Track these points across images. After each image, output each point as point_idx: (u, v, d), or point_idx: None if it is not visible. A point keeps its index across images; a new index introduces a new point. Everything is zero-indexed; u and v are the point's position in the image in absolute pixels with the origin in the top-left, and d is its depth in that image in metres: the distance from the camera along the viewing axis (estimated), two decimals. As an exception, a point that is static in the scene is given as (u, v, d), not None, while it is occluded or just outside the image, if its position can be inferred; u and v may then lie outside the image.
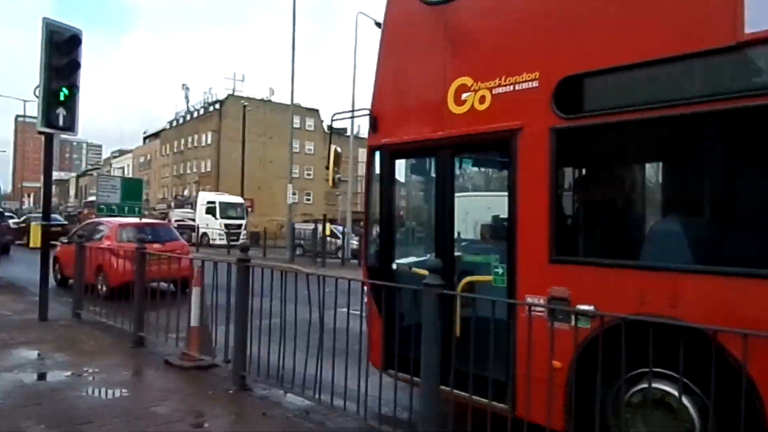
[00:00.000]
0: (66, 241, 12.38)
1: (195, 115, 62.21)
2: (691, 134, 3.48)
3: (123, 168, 79.47)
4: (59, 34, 7.90)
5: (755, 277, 2.86)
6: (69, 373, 5.42)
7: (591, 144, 3.84)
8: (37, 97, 7.98)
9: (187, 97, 64.87)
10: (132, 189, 25.36)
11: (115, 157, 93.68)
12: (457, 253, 4.58)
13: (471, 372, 3.58)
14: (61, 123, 7.92)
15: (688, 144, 3.58)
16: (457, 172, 4.71)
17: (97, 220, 14.29)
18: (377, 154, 5.01)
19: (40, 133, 8.15)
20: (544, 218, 3.71)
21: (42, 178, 8.47)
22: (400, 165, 5.11)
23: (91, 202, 34.54)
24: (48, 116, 7.81)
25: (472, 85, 4.23)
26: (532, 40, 3.95)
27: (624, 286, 3.33)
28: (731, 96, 3.00)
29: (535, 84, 3.83)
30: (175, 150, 64.84)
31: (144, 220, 17.36)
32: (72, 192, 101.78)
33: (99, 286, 9.92)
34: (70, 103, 8.02)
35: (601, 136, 3.72)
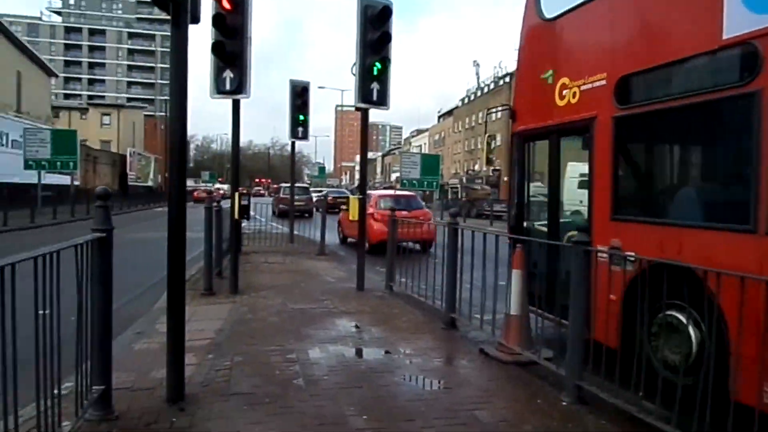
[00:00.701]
0: (346, 208, 13.11)
1: (485, 90, 63.01)
2: (698, 120, 4.33)
3: (420, 146, 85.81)
4: (373, 7, 7.94)
5: (729, 231, 3.78)
6: (384, 352, 5.21)
7: (634, 129, 4.81)
8: (354, 74, 8.22)
9: (477, 74, 66.55)
10: (430, 165, 26.44)
11: (413, 137, 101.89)
12: (561, 217, 5.88)
13: (558, 303, 4.71)
14: (375, 98, 8.00)
15: (696, 128, 4.48)
16: (563, 152, 5.76)
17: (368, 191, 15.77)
18: (515, 138, 6.51)
19: (357, 109, 8.43)
20: (608, 187, 4.86)
21: (359, 154, 8.72)
22: (530, 146, 6.42)
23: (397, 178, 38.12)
24: (363, 92, 7.96)
25: (569, 83, 5.47)
26: (602, 48, 5.10)
27: (650, 238, 4.35)
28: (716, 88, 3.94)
29: (604, 82, 4.96)
30: (467, 126, 66.95)
31: (399, 192, 18.96)
32: (378, 169, 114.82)
33: (351, 240, 13.13)
34: (383, 77, 8.04)
35: (639, 123, 4.69)
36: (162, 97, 69.83)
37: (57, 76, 53.49)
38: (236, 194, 7.59)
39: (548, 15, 5.97)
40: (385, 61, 7.90)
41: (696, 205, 4.32)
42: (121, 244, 15.33)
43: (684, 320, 3.99)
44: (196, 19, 4.05)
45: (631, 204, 4.92)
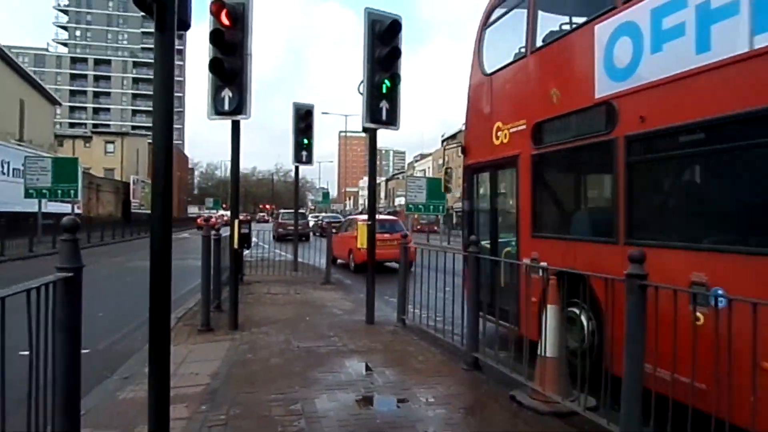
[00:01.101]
0: (335, 231, 16.15)
1: (489, 114, 62.70)
2: (579, 158, 5.67)
3: (424, 170, 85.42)
4: (381, 22, 7.48)
5: (603, 243, 4.94)
6: (401, 400, 4.58)
7: (544, 164, 6.06)
8: (361, 93, 7.72)
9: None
10: (436, 188, 25.93)
11: (417, 161, 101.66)
12: (502, 235, 6.98)
13: (497, 306, 5.99)
14: (384, 117, 7.50)
15: (580, 163, 5.80)
16: (499, 182, 7.11)
17: (351, 217, 19.26)
18: (466, 171, 7.83)
19: (365, 130, 7.92)
20: (528, 210, 6.17)
21: (363, 178, 8.17)
22: (477, 177, 7.70)
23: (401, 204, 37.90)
24: (372, 111, 7.46)
25: (501, 126, 6.79)
26: (523, 99, 6.44)
27: (557, 251, 5.57)
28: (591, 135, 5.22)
29: (524, 127, 6.29)
30: (470, 150, 66.55)
31: (381, 216, 19.24)
32: (382, 194, 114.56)
33: (349, 263, 14.83)
34: (393, 95, 7.55)
35: (547, 160, 5.98)
36: (166, 125, 69.88)
37: (60, 104, 53.60)
38: (236, 222, 7.03)
39: (487, 71, 7.33)
40: (395, 78, 7.41)
41: (582, 224, 5.65)
42: (119, 273, 14.90)
43: (581, 317, 5.21)
44: (185, 25, 3.52)
45: (544, 224, 6.09)
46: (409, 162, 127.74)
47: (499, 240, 7.03)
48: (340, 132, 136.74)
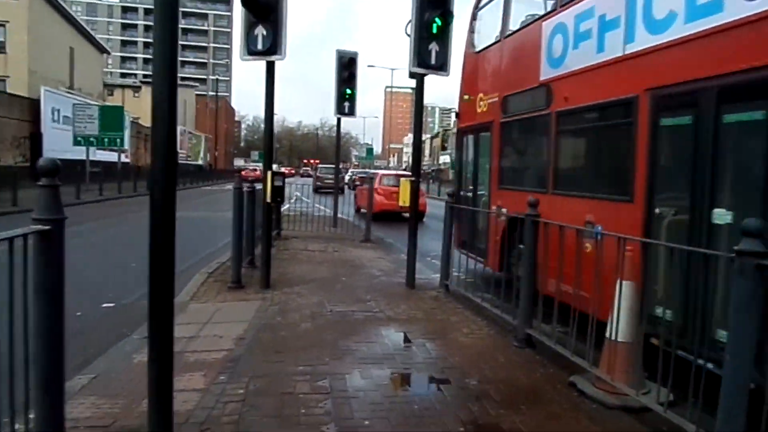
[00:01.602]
0: (358, 185, 18.90)
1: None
2: (530, 127, 6.90)
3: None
4: (432, -48, 6.63)
5: (538, 192, 6.10)
6: (442, 381, 4.01)
7: (509, 130, 7.42)
8: (408, 35, 6.94)
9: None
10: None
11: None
12: (480, 188, 8.42)
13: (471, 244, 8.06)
14: (433, 61, 6.72)
15: (530, 131, 6.96)
16: (480, 145, 8.40)
17: (374, 172, 20.47)
18: (457, 133, 9.53)
19: (411, 75, 7.15)
20: (496, 167, 7.55)
21: (409, 134, 7.68)
22: (465, 138, 9.03)
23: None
24: (420, 54, 6.68)
25: (483, 97, 8.12)
26: (497, 75, 7.72)
27: (513, 200, 6.82)
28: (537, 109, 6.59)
29: (497, 99, 7.61)
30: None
31: (398, 172, 22.01)
32: (427, 152, 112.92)
33: (363, 210, 15.01)
34: (443, 36, 6.74)
35: (511, 126, 7.36)
36: (213, 77, 70.02)
37: (109, 53, 54.04)
38: (268, 174, 6.49)
39: (477, 49, 8.59)
40: (447, 16, 6.58)
41: (529, 179, 6.93)
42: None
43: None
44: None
45: (506, 179, 7.51)
46: (454, 120, 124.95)
47: (478, 192, 8.52)
48: (386, 87, 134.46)
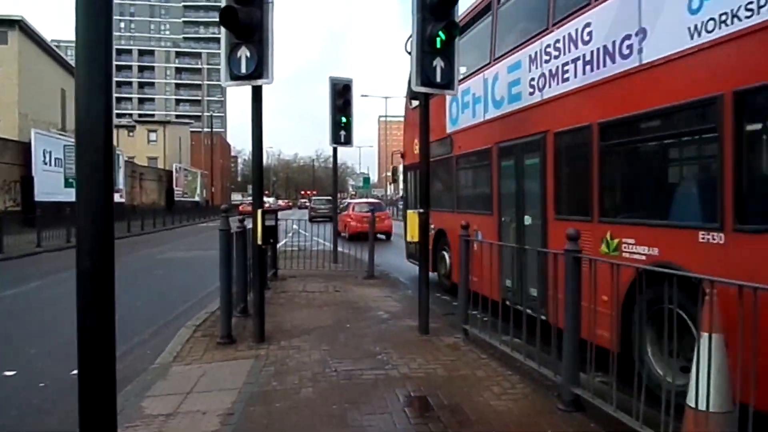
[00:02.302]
0: (338, 212, 20.35)
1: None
2: (444, 166, 9.31)
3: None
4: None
5: (449, 212, 9.09)
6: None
7: (440, 167, 9.32)
8: (408, 52, 6.23)
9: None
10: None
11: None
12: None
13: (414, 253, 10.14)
14: (438, 78, 5.96)
15: (444, 169, 9.34)
16: (419, 176, 8.55)
17: (348, 201, 25.32)
18: (404, 169, 11.79)
19: (414, 97, 6.43)
20: (425, 194, 6.91)
21: (420, 140, 7.24)
22: (408, 174, 11.34)
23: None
24: (423, 71, 5.94)
25: (416, 142, 9.33)
26: (436, 122, 8.43)
27: (440, 217, 9.24)
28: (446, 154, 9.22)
29: (433, 140, 7.74)
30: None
31: (368, 200, 26.53)
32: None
33: (344, 234, 18.30)
34: (448, 52, 6.01)
35: (433, 165, 7.99)
36: (208, 114, 69.85)
37: (103, 94, 53.59)
38: (258, 213, 5.67)
39: (412, 106, 10.31)
40: (452, 28, 5.86)
41: (444, 202, 9.42)
42: (149, 266, 13.94)
43: (446, 254, 9.47)
44: None
45: (442, 202, 9.45)
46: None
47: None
48: (380, 117, 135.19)
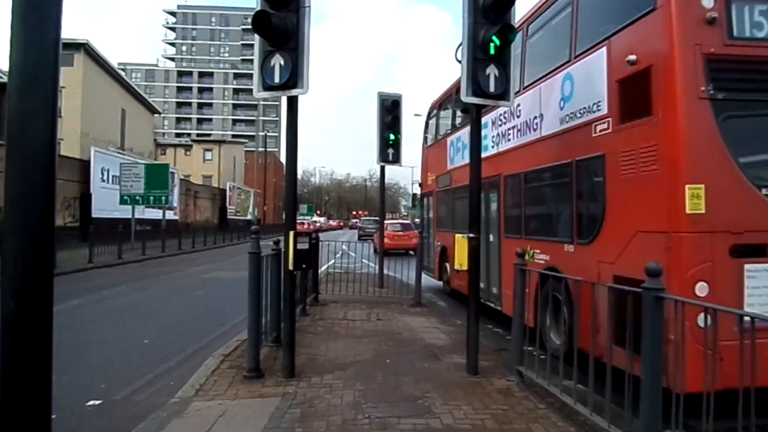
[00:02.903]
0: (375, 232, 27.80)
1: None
2: (448, 195, 11.41)
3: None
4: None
5: (448, 232, 11.15)
6: None
7: (439, 196, 12.17)
8: (459, 61, 5.71)
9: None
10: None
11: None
12: (431, 230, 13.21)
13: (427, 265, 12.84)
14: (492, 88, 5.40)
15: (447, 197, 11.55)
16: (431, 202, 12.98)
17: (387, 221, 27.31)
18: (421, 196, 14.47)
19: (464, 110, 5.89)
20: (436, 217, 12.55)
21: (471, 158, 6.46)
22: (425, 200, 13.97)
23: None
24: (475, 80, 5.40)
25: (430, 175, 12.97)
26: (433, 163, 12.66)
27: (442, 236, 11.88)
28: (446, 186, 11.82)
29: (434, 177, 12.45)
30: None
31: (394, 221, 31.07)
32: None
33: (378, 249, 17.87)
34: (503, 58, 5.46)
35: (440, 194, 12.01)
36: (262, 133, 71.45)
37: (160, 113, 55.79)
38: (290, 235, 5.22)
39: (427, 144, 13.29)
40: (507, 33, 5.30)
41: (445, 224, 11.80)
42: (191, 286, 13.84)
43: (447, 265, 11.72)
44: None
45: (440, 224, 12.29)
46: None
47: (430, 232, 13.25)
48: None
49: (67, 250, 19.20)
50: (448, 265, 11.52)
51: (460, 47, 5.61)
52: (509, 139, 8.22)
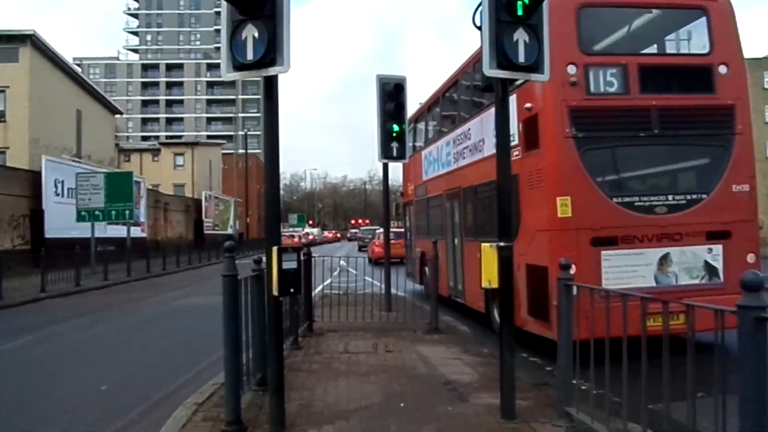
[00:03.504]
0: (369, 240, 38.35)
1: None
2: (424, 204, 15.14)
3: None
4: None
5: (426, 239, 14.18)
6: None
7: (417, 205, 15.81)
8: (477, 26, 5.36)
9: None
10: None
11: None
12: (415, 240, 16.55)
13: (412, 271, 17.40)
14: (521, 57, 4.99)
15: (423, 207, 15.36)
16: (411, 211, 16.86)
17: (378, 231, 33.63)
18: (403, 205, 18.40)
19: (486, 87, 5.51)
20: (416, 224, 16.46)
21: (497, 150, 5.99)
22: (406, 208, 17.85)
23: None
24: (500, 48, 4.99)
25: (410, 185, 16.68)
26: (413, 173, 16.07)
27: (422, 243, 15.01)
28: (423, 196, 15.65)
29: (413, 187, 16.20)
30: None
31: (392, 229, 32.12)
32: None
33: (370, 258, 27.72)
34: (533, 20, 5.07)
35: (418, 203, 15.72)
36: (242, 132, 71.39)
37: (121, 113, 55.56)
38: (273, 252, 4.82)
39: (408, 155, 12.93)
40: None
41: (422, 231, 15.46)
42: (161, 316, 13.45)
43: (426, 269, 13.89)
44: None
45: (418, 231, 15.99)
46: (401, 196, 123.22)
47: (411, 239, 16.91)
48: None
49: (16, 277, 18.78)
50: (427, 269, 14.45)
51: (479, 10, 5.23)
52: (464, 157, 11.32)
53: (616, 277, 7.34)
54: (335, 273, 17.06)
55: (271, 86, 4.91)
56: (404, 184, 17.75)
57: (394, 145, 11.61)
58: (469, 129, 10.75)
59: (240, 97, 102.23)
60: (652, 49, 9.03)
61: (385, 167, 12.61)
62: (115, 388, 7.26)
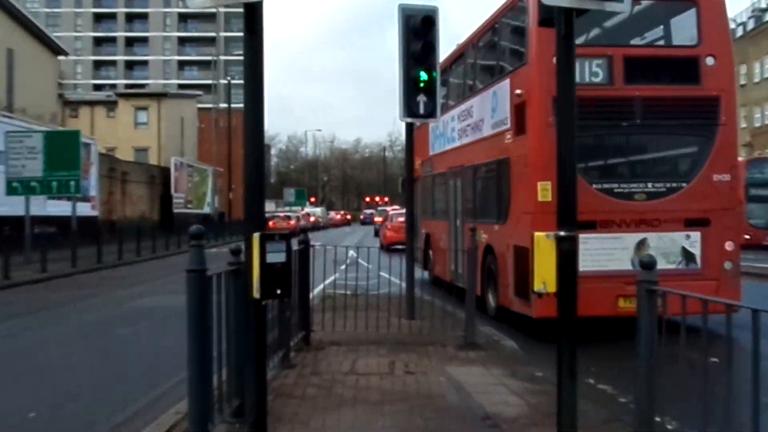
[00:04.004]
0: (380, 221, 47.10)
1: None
2: (431, 181, 20.38)
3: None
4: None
5: (439, 220, 19.23)
6: None
7: (429, 181, 20.51)
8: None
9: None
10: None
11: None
12: (421, 221, 20.96)
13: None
14: None
15: (430, 183, 20.57)
16: (420, 189, 21.12)
17: (391, 212, 39.73)
18: (416, 180, 19.43)
19: (544, 22, 5.34)
20: (423, 203, 21.13)
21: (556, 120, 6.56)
22: (416, 184, 19.10)
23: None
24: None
25: (418, 160, 19.69)
26: (422, 146, 19.54)
27: (429, 224, 20.57)
28: (430, 172, 21.07)
29: (420, 162, 20.38)
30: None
31: (397, 210, 38.22)
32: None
33: (383, 245, 32.48)
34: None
35: (425, 179, 20.82)
36: (224, 81, 71.70)
37: (67, 54, 55.98)
38: (254, 238, 4.75)
39: (417, 126, 15.50)
40: None
41: (430, 212, 20.54)
42: (113, 320, 13.63)
43: (430, 253, 20.27)
44: None
45: (426, 211, 20.79)
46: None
47: (422, 218, 20.44)
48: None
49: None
50: (431, 252, 19.42)
51: None
52: (467, 135, 15.08)
53: (593, 260, 9.99)
54: (342, 267, 17.05)
55: (253, 16, 4.94)
56: (415, 154, 19.64)
57: (422, 98, 11.48)
58: (472, 105, 14.85)
59: (222, 34, 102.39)
60: (641, 40, 12.23)
61: (409, 129, 12.50)
62: (46, 415, 7.40)
